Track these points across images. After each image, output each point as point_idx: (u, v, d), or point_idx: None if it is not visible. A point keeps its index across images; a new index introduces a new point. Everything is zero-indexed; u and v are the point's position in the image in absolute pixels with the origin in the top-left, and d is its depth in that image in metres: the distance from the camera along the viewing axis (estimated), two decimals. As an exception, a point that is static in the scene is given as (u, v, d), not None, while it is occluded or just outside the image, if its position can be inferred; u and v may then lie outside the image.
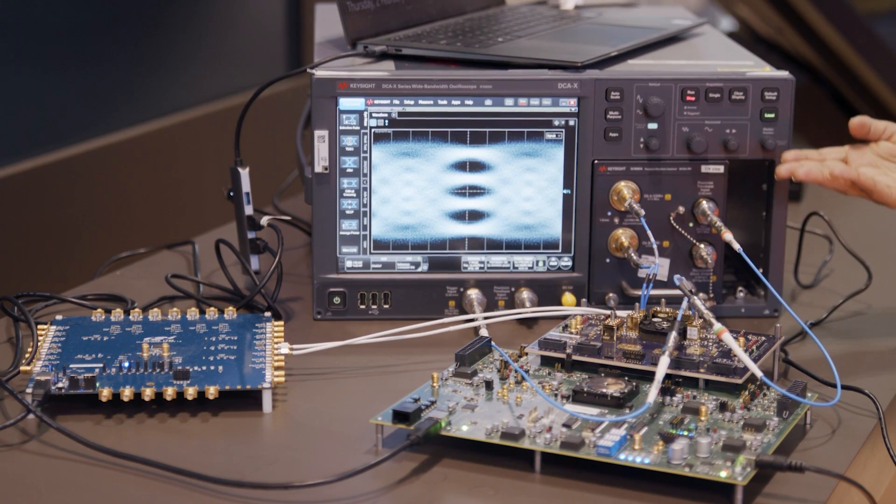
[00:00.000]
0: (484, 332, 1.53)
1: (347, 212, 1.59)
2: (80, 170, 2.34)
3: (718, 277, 1.61)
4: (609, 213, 1.60)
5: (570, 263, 1.61)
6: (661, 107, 1.57)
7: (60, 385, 1.35)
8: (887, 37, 2.44)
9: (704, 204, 1.59)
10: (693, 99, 1.57)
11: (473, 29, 1.73)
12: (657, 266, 1.55)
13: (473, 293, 1.60)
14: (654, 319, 1.43)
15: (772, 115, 1.58)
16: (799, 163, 1.54)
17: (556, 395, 1.35)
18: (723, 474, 1.20)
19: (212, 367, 1.39)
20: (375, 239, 1.60)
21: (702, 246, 1.60)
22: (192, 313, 1.52)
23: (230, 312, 1.52)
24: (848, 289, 1.69)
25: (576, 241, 1.61)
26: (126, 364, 1.39)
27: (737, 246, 1.52)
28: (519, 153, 1.59)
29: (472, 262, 1.61)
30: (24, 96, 2.30)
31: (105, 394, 1.33)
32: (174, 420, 1.34)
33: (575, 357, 1.40)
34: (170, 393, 1.34)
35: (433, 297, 1.61)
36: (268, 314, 1.53)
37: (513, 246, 1.61)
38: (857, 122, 1.56)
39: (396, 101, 1.57)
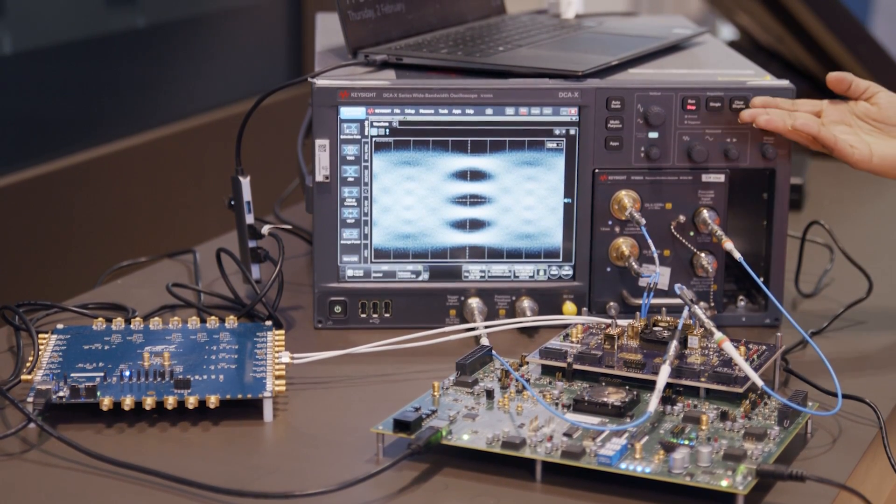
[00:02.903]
0: (485, 341, 1.53)
1: (348, 221, 1.59)
2: (81, 178, 2.34)
3: (719, 286, 1.61)
4: (610, 222, 1.60)
5: (570, 272, 1.61)
6: (661, 116, 1.57)
7: (61, 394, 1.35)
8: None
9: (705, 213, 1.59)
10: (694, 108, 1.57)
11: (474, 38, 1.73)
12: (658, 275, 1.54)
13: (474, 302, 1.60)
14: (655, 328, 1.43)
15: (772, 124, 1.58)
16: (765, 110, 1.50)
17: (556, 405, 1.35)
18: (724, 483, 1.20)
19: (213, 376, 1.39)
20: (376, 248, 1.60)
21: (702, 255, 1.59)
22: (193, 322, 1.52)
23: (231, 321, 1.52)
24: (849, 298, 1.68)
25: (576, 249, 1.61)
26: (127, 373, 1.39)
27: (737, 255, 1.52)
28: (520, 162, 1.59)
29: (473, 270, 1.61)
30: (24, 105, 2.30)
31: (106, 403, 1.33)
32: (175, 429, 1.34)
33: (576, 366, 1.40)
34: (171, 402, 1.34)
35: (434, 306, 1.61)
36: (269, 323, 1.53)
37: (513, 255, 1.61)
38: (837, 77, 1.50)
39: (397, 110, 1.57)
